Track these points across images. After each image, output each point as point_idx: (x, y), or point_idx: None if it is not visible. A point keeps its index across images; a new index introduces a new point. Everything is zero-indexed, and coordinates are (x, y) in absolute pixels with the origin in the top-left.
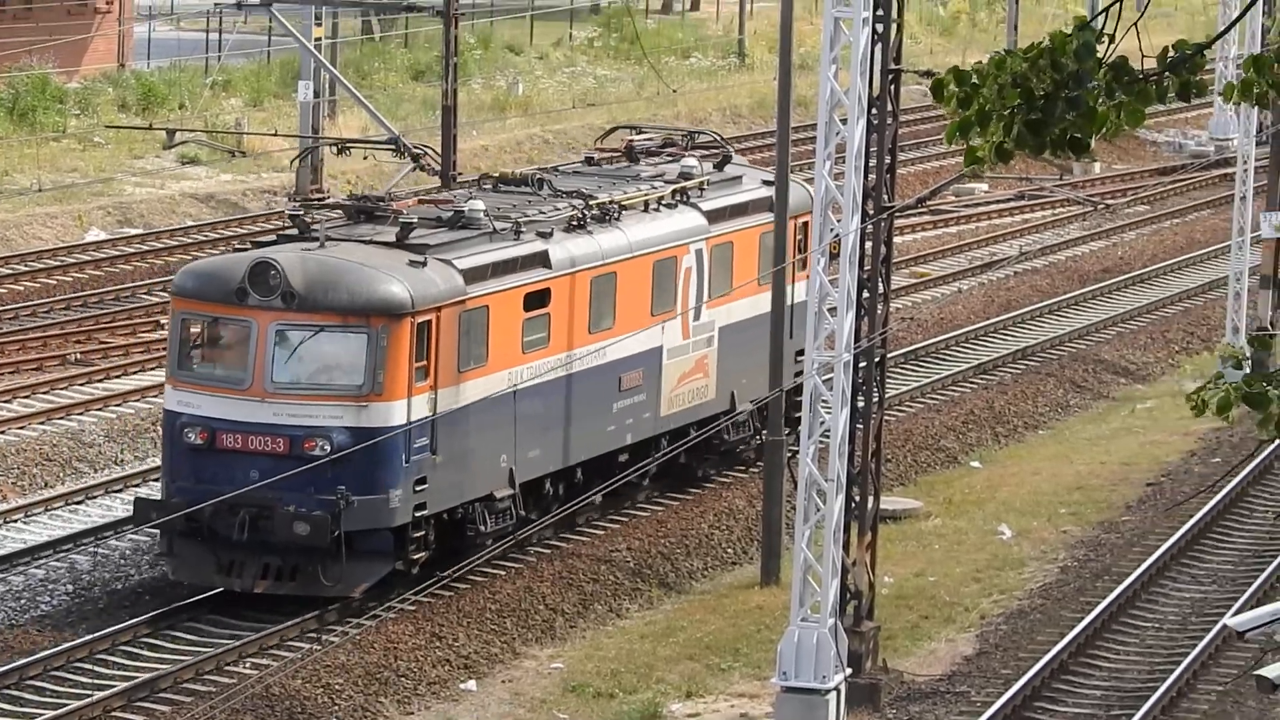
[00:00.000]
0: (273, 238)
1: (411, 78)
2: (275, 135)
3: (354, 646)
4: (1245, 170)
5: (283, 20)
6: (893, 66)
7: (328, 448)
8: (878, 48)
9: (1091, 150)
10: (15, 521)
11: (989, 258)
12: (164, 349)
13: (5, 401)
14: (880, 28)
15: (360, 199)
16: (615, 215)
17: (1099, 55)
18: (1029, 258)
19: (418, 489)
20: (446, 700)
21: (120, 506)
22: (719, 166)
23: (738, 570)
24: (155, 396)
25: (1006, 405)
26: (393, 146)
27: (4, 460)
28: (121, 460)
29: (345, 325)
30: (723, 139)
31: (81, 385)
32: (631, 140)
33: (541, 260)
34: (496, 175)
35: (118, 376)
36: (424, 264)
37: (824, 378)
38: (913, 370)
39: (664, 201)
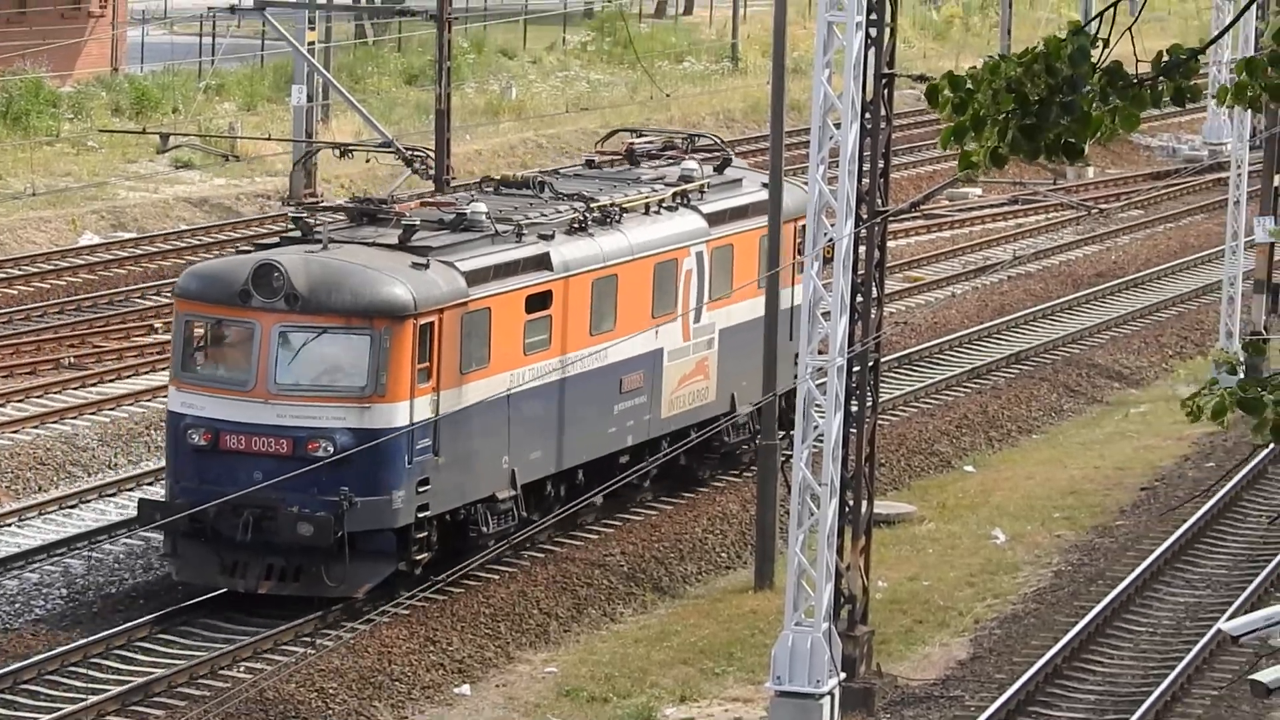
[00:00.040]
0: (276, 240)
1: (405, 82)
2: (269, 139)
3: (348, 650)
4: (1239, 175)
5: (276, 24)
6: (886, 71)
7: (331, 449)
8: (871, 52)
9: (1085, 155)
10: (9, 525)
11: (982, 262)
12: (158, 353)
13: None
14: (874, 32)
15: (362, 201)
16: (616, 218)
17: (1093, 60)
18: (1022, 262)
19: (420, 490)
20: (440, 704)
21: (114, 510)
22: (719, 169)
23: (732, 574)
24: (149, 400)
25: (1000, 409)
26: (390, 150)
27: None
28: (115, 464)
29: (348, 327)
30: (722, 142)
31: (75, 389)
32: (632, 143)
33: (543, 262)
34: (498, 178)
35: (111, 380)
36: (426, 266)
37: (818, 382)
38: (906, 374)
39: (664, 204)
